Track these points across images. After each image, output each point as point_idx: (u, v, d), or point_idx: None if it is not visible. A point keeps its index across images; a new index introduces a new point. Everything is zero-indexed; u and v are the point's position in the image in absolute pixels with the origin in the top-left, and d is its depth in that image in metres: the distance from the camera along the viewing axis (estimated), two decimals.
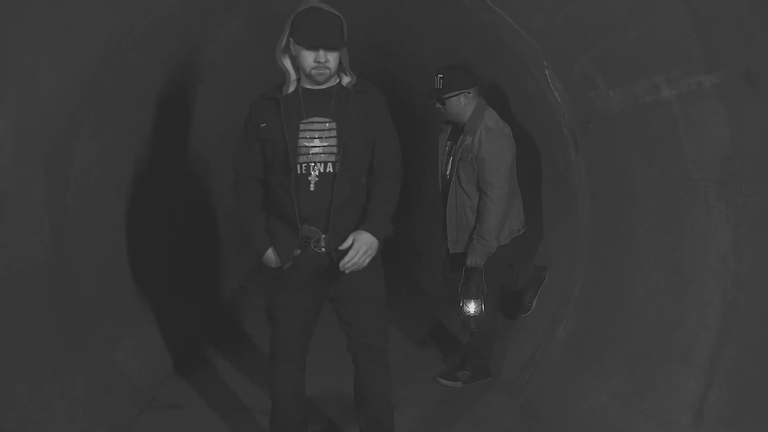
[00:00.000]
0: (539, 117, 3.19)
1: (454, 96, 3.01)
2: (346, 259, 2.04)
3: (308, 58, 2.06)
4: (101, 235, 3.10)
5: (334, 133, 2.10)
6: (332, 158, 2.09)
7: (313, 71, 2.07)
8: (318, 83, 2.12)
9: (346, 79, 2.15)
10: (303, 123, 2.11)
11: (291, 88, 2.15)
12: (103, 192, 3.11)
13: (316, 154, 2.09)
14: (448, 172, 3.14)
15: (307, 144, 2.09)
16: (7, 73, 2.23)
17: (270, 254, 2.18)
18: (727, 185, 1.85)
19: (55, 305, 2.64)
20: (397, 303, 4.44)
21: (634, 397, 2.15)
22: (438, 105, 3.10)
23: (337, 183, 2.08)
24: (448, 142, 3.18)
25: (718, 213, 1.90)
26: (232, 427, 2.80)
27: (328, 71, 2.08)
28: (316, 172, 2.09)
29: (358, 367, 2.31)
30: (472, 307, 3.00)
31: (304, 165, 2.10)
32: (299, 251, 2.15)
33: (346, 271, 2.07)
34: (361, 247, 2.05)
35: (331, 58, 2.07)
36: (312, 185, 2.09)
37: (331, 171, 2.09)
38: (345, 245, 2.06)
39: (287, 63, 2.14)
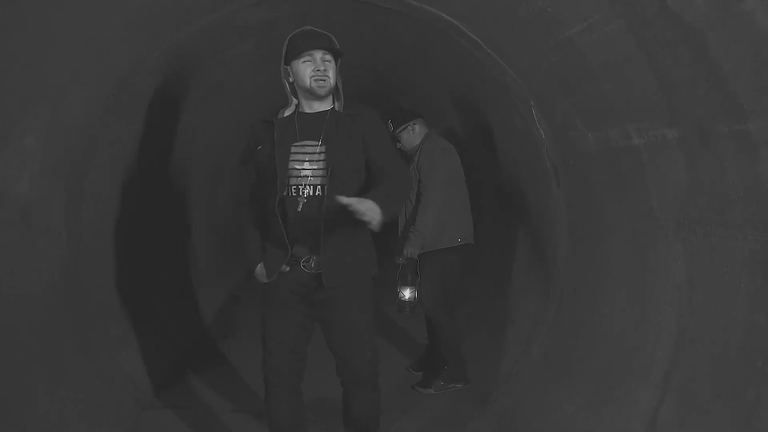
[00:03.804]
0: (526, 151, 3.45)
1: (403, 130, 3.55)
2: (347, 199, 1.89)
3: (306, 70, 2.10)
4: (109, 245, 3.27)
5: (323, 156, 2.12)
6: (320, 181, 2.10)
7: (313, 82, 2.09)
8: (320, 96, 2.13)
9: (338, 104, 2.20)
10: (295, 146, 2.14)
11: (288, 113, 2.21)
12: (112, 204, 3.29)
13: (305, 176, 2.11)
14: None
15: (297, 167, 2.12)
16: (41, 94, 2.43)
17: (260, 268, 2.21)
18: (683, 225, 2.09)
19: (69, 311, 2.80)
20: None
21: (598, 408, 2.39)
22: (398, 144, 3.57)
23: (325, 206, 2.08)
24: None
25: (675, 248, 2.15)
26: (233, 428, 2.93)
27: (328, 81, 2.10)
28: (305, 195, 2.10)
29: (347, 391, 2.32)
30: (407, 293, 3.36)
31: (293, 187, 2.12)
32: (288, 268, 2.16)
33: (342, 201, 1.89)
34: (363, 201, 1.89)
35: (329, 69, 2.11)
36: (300, 206, 2.11)
37: (320, 194, 2.10)
38: (344, 201, 1.89)
39: (287, 89, 2.20)
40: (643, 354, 2.24)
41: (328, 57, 2.14)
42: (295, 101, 2.21)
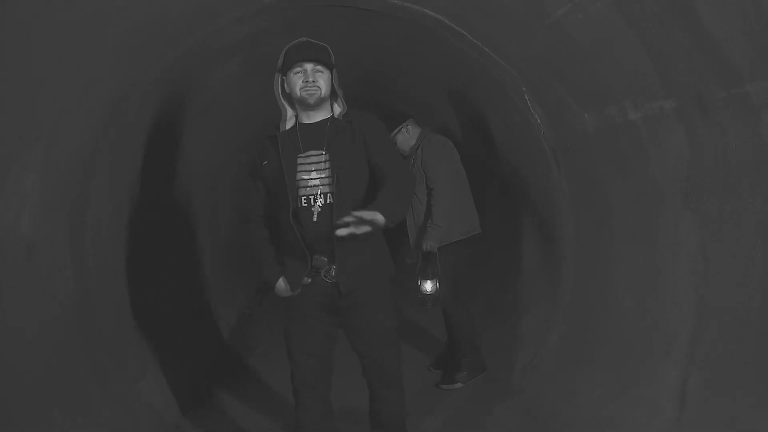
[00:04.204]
0: (522, 138, 3.44)
1: (397, 133, 3.58)
2: (347, 218, 1.93)
3: (297, 81, 2.14)
4: (118, 274, 3.26)
5: (328, 164, 2.14)
6: (329, 189, 2.13)
7: (303, 92, 2.13)
8: (310, 105, 2.16)
9: (337, 110, 2.23)
10: (300, 157, 2.16)
11: (288, 125, 2.23)
12: (117, 233, 3.28)
13: (315, 186, 2.14)
14: None
15: (305, 177, 2.14)
16: (34, 131, 2.41)
17: (281, 283, 2.22)
18: (690, 195, 2.08)
19: (84, 344, 2.79)
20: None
21: (624, 390, 2.37)
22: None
23: (335, 214, 2.08)
24: None
25: (685, 220, 2.13)
26: None
27: (317, 90, 2.13)
28: (319, 204, 2.12)
29: (373, 393, 2.36)
30: (428, 286, 3.30)
31: (304, 198, 2.14)
32: (309, 279, 2.18)
33: (338, 231, 1.94)
34: (365, 214, 1.93)
35: (320, 79, 2.14)
36: (315, 216, 2.12)
37: (330, 202, 2.12)
38: (347, 219, 1.93)
39: (283, 101, 2.24)
40: (664, 330, 2.23)
41: (320, 68, 2.17)
42: (293, 113, 2.25)
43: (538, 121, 3.12)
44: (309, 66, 2.14)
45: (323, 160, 2.16)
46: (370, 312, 2.22)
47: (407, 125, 3.60)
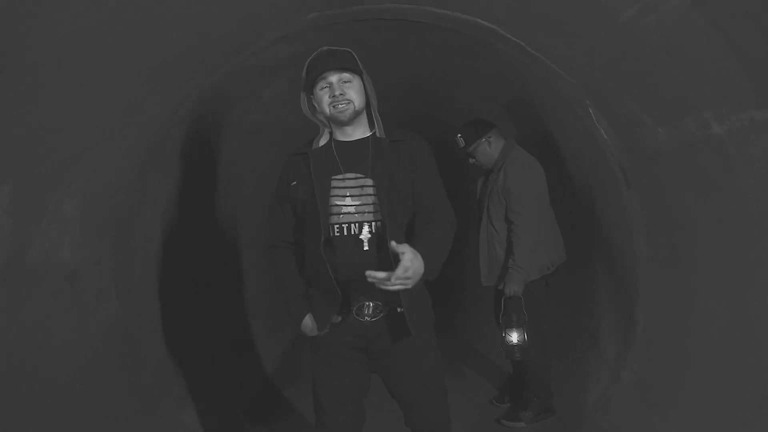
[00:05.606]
0: (587, 155, 3.17)
1: (479, 145, 3.19)
2: (382, 275, 1.67)
3: (323, 97, 1.91)
4: (163, 301, 3.21)
5: (370, 190, 1.89)
6: (369, 218, 1.88)
7: (332, 110, 1.89)
8: (343, 122, 1.92)
9: (378, 128, 1.98)
10: (335, 179, 1.92)
11: (322, 142, 1.99)
12: (160, 257, 3.23)
13: (349, 213, 1.89)
14: (480, 209, 3.29)
15: (338, 203, 1.89)
16: (75, 157, 2.38)
17: (307, 321, 1.99)
18: None
19: (128, 372, 2.74)
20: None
21: None
22: (471, 160, 3.29)
23: (380, 248, 1.85)
24: (482, 180, 3.37)
25: None
26: None
27: (348, 104, 1.89)
28: (353, 233, 1.88)
29: None
30: (514, 337, 2.97)
31: (336, 226, 1.89)
32: (339, 318, 1.94)
33: (373, 282, 1.69)
34: (407, 269, 1.66)
35: (350, 90, 1.90)
36: (352, 248, 1.88)
37: (373, 231, 1.87)
38: (399, 249, 1.68)
39: (317, 118, 2.00)
40: (759, 374, 1.92)
41: (347, 76, 1.91)
42: (328, 129, 2.00)
43: (605, 136, 2.86)
44: (334, 78, 1.89)
45: (362, 185, 1.91)
46: (415, 356, 1.97)
47: (490, 136, 3.18)
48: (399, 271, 1.65)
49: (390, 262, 1.78)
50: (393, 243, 1.69)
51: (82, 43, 1.94)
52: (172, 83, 2.75)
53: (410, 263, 1.66)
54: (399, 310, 1.91)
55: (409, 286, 1.69)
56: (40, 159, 2.18)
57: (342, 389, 1.97)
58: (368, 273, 1.67)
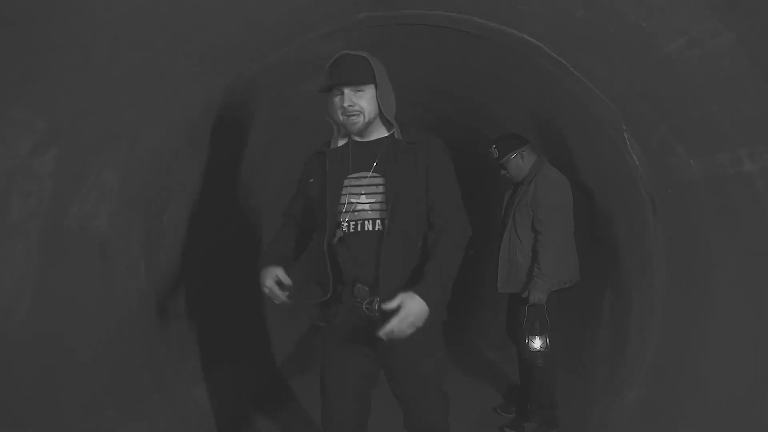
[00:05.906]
0: (617, 178, 3.18)
1: (512, 157, 3.29)
2: (388, 327, 1.73)
3: (336, 106, 1.95)
4: (188, 279, 3.28)
5: (381, 189, 1.93)
6: (379, 215, 1.91)
7: (344, 119, 1.94)
8: (354, 132, 1.98)
9: (397, 131, 2.00)
10: (348, 179, 1.97)
11: (341, 142, 2.04)
12: (190, 238, 3.30)
13: (363, 211, 1.93)
14: (505, 218, 3.35)
15: (353, 200, 1.93)
16: (118, 130, 2.45)
17: (264, 273, 1.98)
18: None
19: (146, 344, 2.81)
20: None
21: None
22: (503, 172, 3.37)
23: (385, 242, 1.88)
24: (509, 193, 3.46)
25: None
26: None
27: (359, 117, 1.93)
28: (367, 229, 1.91)
29: None
30: (537, 343, 3.05)
31: (353, 223, 1.93)
32: (323, 324, 2.01)
33: (384, 338, 1.75)
34: (407, 316, 1.73)
35: (361, 100, 1.92)
36: (361, 244, 1.92)
37: (380, 229, 1.90)
38: (391, 306, 1.75)
39: (333, 118, 2.03)
40: (766, 418, 1.93)
41: (359, 86, 1.93)
42: (343, 129, 2.05)
43: (636, 162, 2.87)
44: (347, 87, 1.93)
45: (375, 183, 1.94)
46: (417, 354, 1.95)
47: (523, 151, 3.30)
48: (392, 323, 1.73)
49: (379, 262, 1.87)
50: (383, 306, 1.77)
51: (136, 23, 2.01)
52: (218, 69, 2.81)
53: (402, 315, 1.73)
54: None
55: (416, 325, 1.76)
56: (87, 128, 2.25)
57: (346, 380, 2.00)
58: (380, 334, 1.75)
